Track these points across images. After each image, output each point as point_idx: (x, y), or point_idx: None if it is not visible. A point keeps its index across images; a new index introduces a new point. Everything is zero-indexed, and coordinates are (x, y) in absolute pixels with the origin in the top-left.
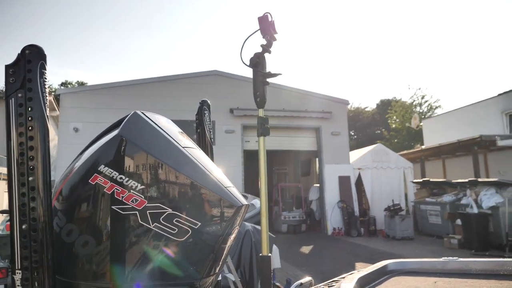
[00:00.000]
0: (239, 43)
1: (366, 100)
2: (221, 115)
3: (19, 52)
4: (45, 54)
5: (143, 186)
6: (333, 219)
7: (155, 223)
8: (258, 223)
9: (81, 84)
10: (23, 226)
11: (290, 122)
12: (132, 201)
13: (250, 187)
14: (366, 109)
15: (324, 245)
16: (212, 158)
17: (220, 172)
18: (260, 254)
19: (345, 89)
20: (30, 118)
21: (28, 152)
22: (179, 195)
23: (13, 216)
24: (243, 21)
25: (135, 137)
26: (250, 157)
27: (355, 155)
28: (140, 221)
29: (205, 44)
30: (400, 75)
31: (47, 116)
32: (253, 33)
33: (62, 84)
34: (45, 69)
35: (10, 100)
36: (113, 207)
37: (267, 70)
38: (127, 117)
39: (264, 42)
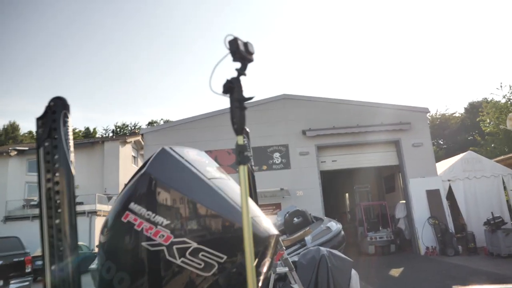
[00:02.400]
0: (304, 65)
1: (453, 105)
2: (294, 137)
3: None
4: (68, 104)
5: (168, 221)
6: (425, 238)
7: (182, 258)
8: (335, 247)
9: (166, 121)
10: (52, 267)
11: (366, 137)
12: (160, 236)
13: (331, 209)
14: (454, 115)
15: (416, 266)
16: (254, 185)
17: (249, 201)
18: None
19: (426, 96)
20: (56, 165)
21: (54, 196)
22: (203, 228)
23: (44, 256)
24: (300, 41)
25: (161, 173)
26: (328, 178)
27: (443, 166)
28: (167, 257)
29: (271, 69)
30: (487, 74)
31: (71, 161)
32: (223, 58)
33: (149, 123)
34: (68, 118)
35: (40, 149)
36: (143, 243)
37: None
38: (154, 154)
39: (239, 65)
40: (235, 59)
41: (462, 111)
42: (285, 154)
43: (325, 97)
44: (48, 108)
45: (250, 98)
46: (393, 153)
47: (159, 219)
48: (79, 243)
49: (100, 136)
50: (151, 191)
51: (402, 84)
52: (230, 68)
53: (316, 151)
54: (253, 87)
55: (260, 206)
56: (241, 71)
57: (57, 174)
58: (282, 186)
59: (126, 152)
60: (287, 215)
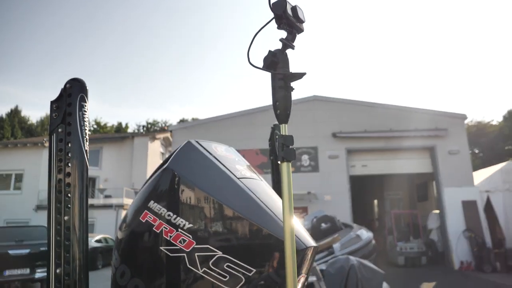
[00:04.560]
0: (333, 66)
1: (490, 113)
2: (323, 140)
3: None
4: (86, 87)
5: (191, 225)
6: (460, 251)
7: (204, 268)
8: (365, 257)
9: (195, 119)
10: (57, 270)
11: (399, 143)
12: (180, 241)
13: (359, 216)
14: (492, 123)
15: (450, 282)
16: None
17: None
18: None
19: (462, 102)
20: (68, 154)
21: (65, 189)
22: (230, 235)
23: (49, 258)
24: (331, 41)
25: (185, 169)
26: (358, 183)
27: (481, 175)
28: (188, 265)
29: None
30: None
31: (86, 151)
32: (266, 24)
33: (180, 121)
34: (85, 102)
35: (52, 136)
36: (161, 248)
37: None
38: (179, 148)
39: (284, 35)
40: (280, 26)
41: (500, 119)
42: (313, 157)
43: (357, 99)
44: (64, 91)
45: (301, 75)
46: (427, 160)
47: (180, 221)
48: (106, 236)
49: (131, 131)
50: (173, 189)
51: (438, 90)
52: (274, 38)
53: (346, 155)
54: None
55: None
56: (288, 42)
57: (69, 165)
58: (310, 190)
59: (155, 148)
60: (315, 220)
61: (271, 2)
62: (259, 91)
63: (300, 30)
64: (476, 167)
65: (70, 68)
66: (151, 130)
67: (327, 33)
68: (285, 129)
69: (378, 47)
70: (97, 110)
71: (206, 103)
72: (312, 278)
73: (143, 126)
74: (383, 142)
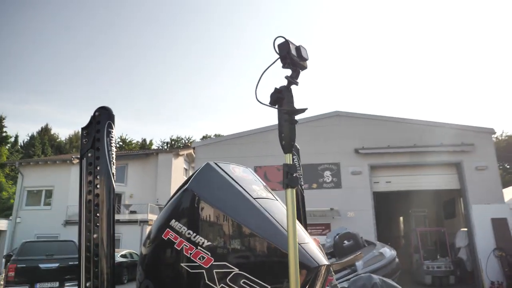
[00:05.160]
0: (355, 81)
1: None
2: (346, 156)
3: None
4: (113, 115)
5: (209, 243)
6: (490, 271)
7: (222, 284)
8: (388, 275)
9: (217, 136)
10: (87, 284)
11: (424, 158)
12: (200, 258)
13: (384, 233)
14: None
15: None
16: (303, 206)
17: (298, 225)
18: None
19: (490, 116)
20: (97, 177)
21: (94, 208)
22: (246, 252)
23: (80, 272)
24: (353, 56)
25: (204, 190)
26: (381, 200)
27: (511, 192)
28: (207, 281)
29: (322, 84)
30: None
31: (113, 174)
32: (272, 64)
33: (203, 137)
34: (112, 128)
35: (82, 160)
36: (182, 264)
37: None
38: (198, 170)
39: (289, 72)
40: (285, 65)
41: None
42: (336, 173)
43: (380, 114)
44: (93, 118)
45: (303, 111)
46: (454, 176)
47: (199, 239)
48: (131, 251)
49: (155, 147)
50: (193, 209)
51: (464, 104)
52: (280, 76)
53: (369, 171)
54: (303, 101)
55: (308, 225)
56: (292, 79)
57: (98, 186)
58: (332, 206)
59: (178, 164)
60: (337, 237)
61: (276, 44)
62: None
63: (304, 68)
64: (507, 183)
65: (94, 87)
66: (174, 146)
67: (349, 48)
68: (290, 159)
69: (401, 62)
70: (122, 126)
71: (229, 116)
72: None
73: (167, 143)
74: (408, 157)
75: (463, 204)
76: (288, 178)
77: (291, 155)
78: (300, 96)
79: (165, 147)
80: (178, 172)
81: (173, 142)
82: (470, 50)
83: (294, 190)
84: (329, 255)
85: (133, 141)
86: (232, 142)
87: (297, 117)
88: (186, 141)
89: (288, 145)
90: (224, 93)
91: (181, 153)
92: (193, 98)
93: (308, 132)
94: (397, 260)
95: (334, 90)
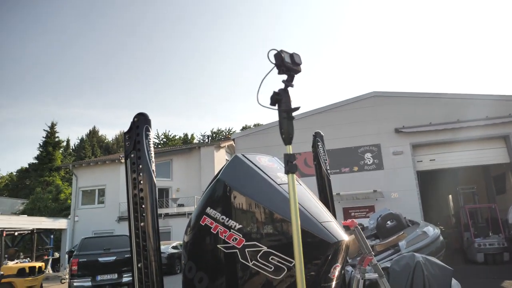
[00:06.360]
0: (392, 60)
1: None
2: (386, 136)
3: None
4: (149, 119)
5: (241, 226)
6: None
7: (253, 261)
8: (432, 254)
9: (256, 125)
10: (139, 265)
11: (468, 133)
12: (233, 239)
13: (434, 212)
14: None
15: None
16: (329, 190)
17: (318, 205)
18: None
19: None
20: (140, 174)
21: (140, 201)
22: (273, 233)
23: (132, 256)
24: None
25: (233, 180)
26: (428, 179)
27: None
28: (240, 259)
29: (359, 67)
30: None
31: (153, 170)
32: (269, 73)
33: (243, 128)
34: (149, 131)
35: (127, 160)
36: (218, 246)
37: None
38: (228, 162)
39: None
40: (280, 72)
41: None
42: (377, 154)
43: (418, 91)
44: (133, 124)
45: (297, 108)
46: (502, 150)
47: (232, 223)
48: (180, 242)
49: (197, 141)
50: (225, 197)
51: (506, 73)
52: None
53: (411, 150)
54: (341, 86)
55: (352, 208)
56: (288, 83)
57: (141, 182)
58: (375, 188)
59: (220, 156)
60: (380, 218)
61: (271, 55)
62: (318, 89)
63: (298, 71)
64: None
65: (134, 87)
66: (216, 139)
67: (380, 27)
68: (289, 149)
69: (438, 35)
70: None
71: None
72: (375, 275)
73: (208, 136)
74: (451, 134)
75: None
76: (288, 166)
77: (290, 146)
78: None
79: (207, 140)
80: (221, 164)
81: (214, 135)
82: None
83: (294, 175)
84: (373, 236)
85: (176, 137)
86: (271, 131)
87: (331, 102)
88: (227, 133)
89: (287, 138)
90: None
91: (222, 145)
92: (231, 88)
93: (345, 115)
94: (441, 238)
95: (368, 71)
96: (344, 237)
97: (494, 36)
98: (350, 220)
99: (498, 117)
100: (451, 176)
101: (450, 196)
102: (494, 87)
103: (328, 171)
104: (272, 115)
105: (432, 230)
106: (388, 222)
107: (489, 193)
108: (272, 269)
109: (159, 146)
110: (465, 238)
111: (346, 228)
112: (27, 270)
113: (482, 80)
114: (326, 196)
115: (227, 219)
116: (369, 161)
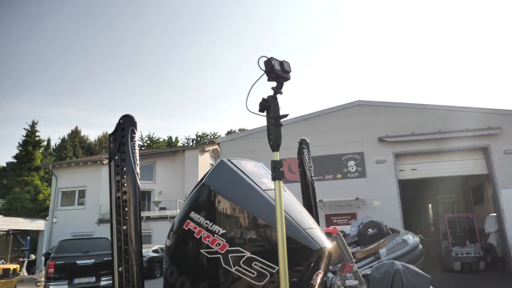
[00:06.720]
0: (377, 69)
1: None
2: (370, 145)
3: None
4: (135, 122)
5: (224, 231)
6: None
7: (236, 267)
8: (412, 261)
9: (241, 130)
10: (120, 269)
11: (449, 144)
12: (216, 244)
13: (413, 221)
14: None
15: None
16: (313, 196)
17: (303, 212)
18: None
19: None
20: (124, 176)
21: (123, 204)
22: (257, 238)
23: (113, 259)
24: (371, 45)
25: (218, 184)
26: (409, 187)
27: None
28: (223, 264)
29: (347, 75)
30: None
31: (137, 173)
32: (258, 79)
33: (228, 132)
34: (135, 134)
35: (111, 162)
36: (201, 250)
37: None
38: (213, 166)
39: (274, 84)
40: (270, 79)
41: None
42: (360, 162)
43: (402, 101)
44: (118, 125)
45: (285, 116)
46: (481, 161)
47: (216, 228)
48: (162, 246)
49: (181, 144)
50: (209, 201)
51: (488, 87)
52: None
53: (394, 159)
54: (327, 94)
55: (335, 215)
56: (277, 90)
57: (125, 185)
58: (358, 196)
59: (204, 160)
60: (361, 225)
61: (261, 62)
62: (305, 97)
63: (287, 79)
64: None
65: (119, 88)
66: (200, 142)
67: (367, 37)
68: (277, 156)
69: (421, 47)
70: (148, 124)
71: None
72: (355, 282)
73: (193, 139)
74: (433, 144)
75: (492, 189)
76: (275, 172)
77: (278, 153)
78: (321, 88)
79: (191, 144)
80: (205, 168)
81: (198, 138)
82: (493, 31)
83: (281, 182)
84: (354, 243)
85: (160, 139)
86: (256, 136)
87: (317, 110)
88: (211, 137)
89: (275, 144)
90: (246, 86)
91: (206, 149)
92: (217, 92)
93: (330, 123)
94: (420, 246)
95: (354, 79)
96: (327, 244)
97: (477, 51)
98: (332, 227)
99: (478, 129)
100: (432, 186)
101: (430, 205)
102: (475, 100)
103: (313, 178)
104: (257, 120)
105: (412, 238)
106: (370, 229)
107: (467, 203)
108: (255, 274)
109: (143, 148)
110: (443, 246)
111: (328, 234)
112: (1, 272)
113: (464, 93)
114: (310, 202)
115: (211, 224)
116: (352, 168)
